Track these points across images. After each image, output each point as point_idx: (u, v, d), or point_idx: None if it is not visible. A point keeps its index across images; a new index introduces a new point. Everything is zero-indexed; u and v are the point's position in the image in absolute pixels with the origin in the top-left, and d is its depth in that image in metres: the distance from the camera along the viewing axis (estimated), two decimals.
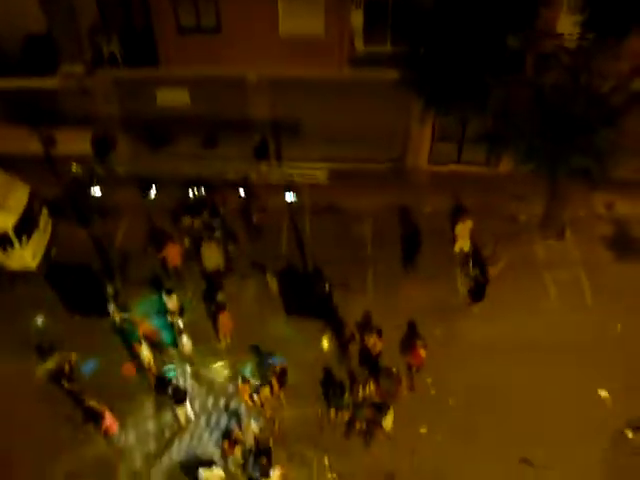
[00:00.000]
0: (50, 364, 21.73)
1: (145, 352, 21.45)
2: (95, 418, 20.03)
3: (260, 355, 22.68)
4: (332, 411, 20.96)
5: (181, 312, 23.20)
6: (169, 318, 23.00)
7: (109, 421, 20.07)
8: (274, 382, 20.70)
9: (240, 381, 20.74)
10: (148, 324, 22.28)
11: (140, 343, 21.43)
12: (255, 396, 20.77)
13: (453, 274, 25.21)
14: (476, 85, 21.39)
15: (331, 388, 20.89)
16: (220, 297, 23.30)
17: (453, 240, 25.54)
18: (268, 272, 24.34)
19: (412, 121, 26.52)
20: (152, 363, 21.59)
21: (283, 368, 20.89)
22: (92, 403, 20.13)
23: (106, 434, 20.39)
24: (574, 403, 21.32)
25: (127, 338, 22.69)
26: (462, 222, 25.13)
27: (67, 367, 21.18)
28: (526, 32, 21.43)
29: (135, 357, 21.88)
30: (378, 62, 25.23)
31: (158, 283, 24.50)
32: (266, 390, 20.88)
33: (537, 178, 23.18)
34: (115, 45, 25.66)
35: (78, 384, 21.50)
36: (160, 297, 23.45)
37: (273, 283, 24.24)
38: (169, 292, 22.99)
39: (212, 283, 24.37)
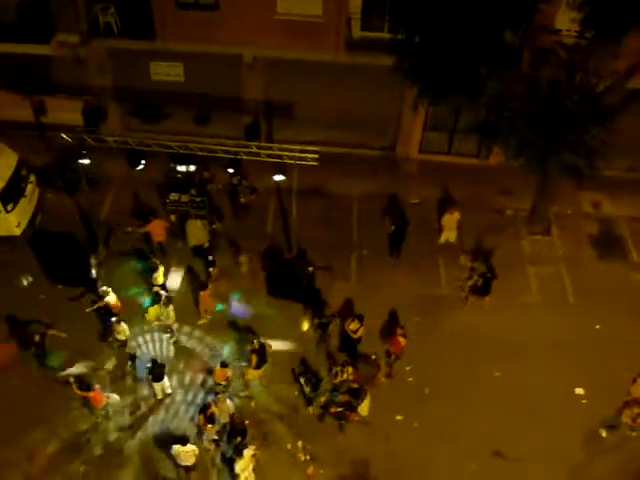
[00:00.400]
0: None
1: (121, 328, 21.34)
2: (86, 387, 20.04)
3: (239, 332, 22.72)
4: (310, 408, 20.98)
5: (164, 287, 23.24)
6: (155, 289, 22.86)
7: (97, 394, 19.97)
8: (253, 358, 20.70)
9: (218, 365, 20.68)
10: (113, 297, 22.03)
11: (118, 322, 21.27)
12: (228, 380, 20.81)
13: (436, 264, 25.25)
14: (471, 76, 21.31)
15: (306, 380, 20.88)
16: (214, 272, 23.23)
17: (439, 230, 25.59)
18: (242, 253, 24.31)
19: (404, 109, 26.47)
20: (129, 339, 21.64)
21: (262, 344, 20.88)
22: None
23: (90, 406, 20.36)
24: (550, 399, 21.42)
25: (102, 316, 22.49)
26: (449, 213, 25.11)
27: (37, 338, 21.07)
28: (524, 26, 21.37)
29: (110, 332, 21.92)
30: (374, 48, 25.11)
31: (142, 255, 24.62)
32: (249, 371, 20.96)
33: (526, 173, 23.14)
34: (112, 15, 25.43)
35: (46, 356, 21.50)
36: (144, 268, 23.70)
37: (245, 264, 24.22)
38: (155, 268, 22.93)
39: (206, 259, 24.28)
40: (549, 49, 21.92)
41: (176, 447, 18.49)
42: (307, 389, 20.77)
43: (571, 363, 22.27)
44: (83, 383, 19.96)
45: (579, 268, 25.41)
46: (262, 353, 20.78)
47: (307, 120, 27.87)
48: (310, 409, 20.96)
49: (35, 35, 25.46)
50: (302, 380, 21.23)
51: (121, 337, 21.39)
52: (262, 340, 20.98)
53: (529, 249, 26.13)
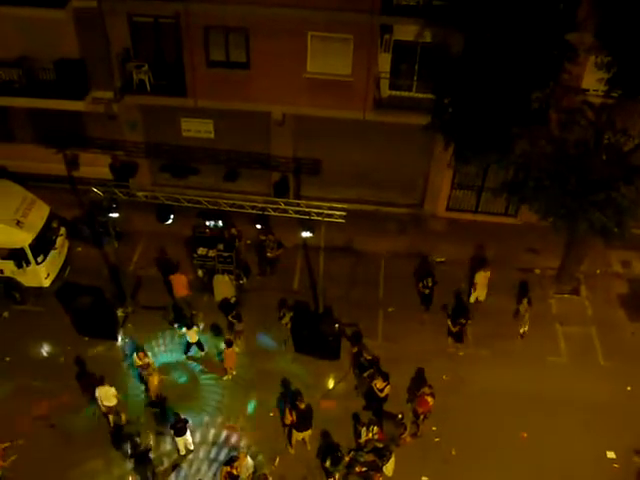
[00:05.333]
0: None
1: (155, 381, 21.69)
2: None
3: (285, 389, 22.62)
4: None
5: (200, 346, 23.49)
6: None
7: None
8: (293, 414, 20.49)
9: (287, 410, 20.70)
10: (143, 357, 21.96)
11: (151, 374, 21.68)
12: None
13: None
14: (500, 136, 21.43)
15: (329, 456, 20.11)
16: (239, 327, 23.31)
17: (471, 288, 25.40)
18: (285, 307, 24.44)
19: (433, 167, 26.59)
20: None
21: (308, 405, 20.69)
22: None
23: None
24: (580, 462, 20.93)
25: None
26: (483, 271, 24.95)
27: None
28: (551, 87, 21.53)
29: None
30: (402, 107, 25.45)
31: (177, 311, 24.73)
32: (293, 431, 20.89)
33: (555, 231, 23.01)
34: (145, 73, 26.00)
35: None
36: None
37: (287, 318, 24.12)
38: (189, 326, 23.08)
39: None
40: (576, 109, 22.04)
41: None
42: (327, 463, 20.10)
43: (602, 425, 21.80)
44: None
45: (609, 329, 25.01)
46: (306, 415, 20.53)
47: (335, 177, 28.12)
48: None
49: (70, 91, 26.02)
50: (325, 455, 20.45)
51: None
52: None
53: (557, 308, 25.82)
